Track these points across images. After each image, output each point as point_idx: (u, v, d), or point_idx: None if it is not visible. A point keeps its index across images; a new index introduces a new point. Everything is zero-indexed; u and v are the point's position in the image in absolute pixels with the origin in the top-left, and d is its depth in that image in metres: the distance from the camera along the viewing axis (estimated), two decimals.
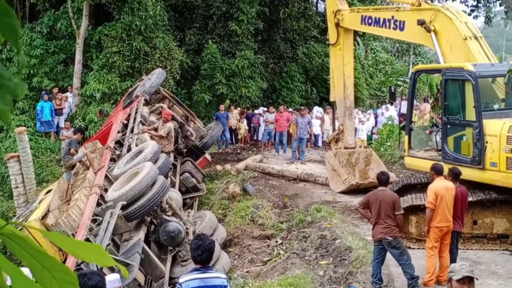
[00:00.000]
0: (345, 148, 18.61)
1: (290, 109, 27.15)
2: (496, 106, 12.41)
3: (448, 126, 12.52)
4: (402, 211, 9.84)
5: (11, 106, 1.12)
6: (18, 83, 1.13)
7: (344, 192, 17.41)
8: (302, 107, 26.47)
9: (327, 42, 18.85)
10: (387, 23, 15.10)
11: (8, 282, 1.13)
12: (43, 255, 1.18)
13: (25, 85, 1.17)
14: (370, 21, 15.94)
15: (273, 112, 25.78)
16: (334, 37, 17.86)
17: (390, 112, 27.74)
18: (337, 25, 17.53)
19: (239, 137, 26.97)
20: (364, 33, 31.89)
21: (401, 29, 14.67)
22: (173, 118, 18.02)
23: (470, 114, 11.85)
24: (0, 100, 1.10)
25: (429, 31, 13.32)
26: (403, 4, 15.40)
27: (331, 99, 19.68)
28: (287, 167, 21.20)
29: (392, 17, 14.92)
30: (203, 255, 5.94)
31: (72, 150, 13.91)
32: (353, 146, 18.83)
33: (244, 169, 20.59)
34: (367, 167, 18.57)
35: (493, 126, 11.46)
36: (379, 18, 15.50)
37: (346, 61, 18.14)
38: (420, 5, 13.98)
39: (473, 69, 11.66)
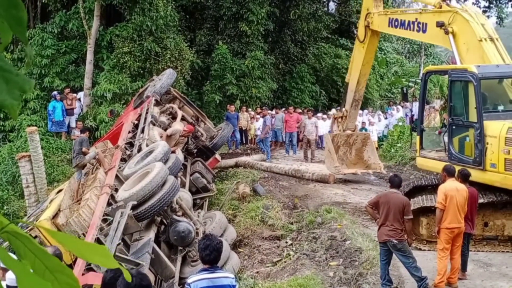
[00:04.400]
0: (345, 131, 19.68)
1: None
2: (501, 108, 12.42)
3: (453, 127, 12.63)
4: (411, 216, 9.77)
5: (19, 101, 1.12)
6: (25, 79, 1.13)
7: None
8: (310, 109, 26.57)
9: (355, 33, 19.08)
10: (411, 25, 15.19)
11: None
12: (46, 256, 1.17)
13: (33, 81, 1.16)
14: (396, 23, 16.10)
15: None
16: (362, 35, 18.15)
17: (400, 113, 27.68)
18: (367, 27, 17.70)
19: (249, 137, 26.95)
20: None
21: (424, 31, 14.73)
22: (184, 119, 18.06)
23: (473, 115, 11.91)
24: (8, 95, 1.09)
25: (447, 33, 13.33)
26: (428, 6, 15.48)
27: (346, 80, 20.22)
28: (275, 164, 21.79)
29: (416, 19, 15.01)
30: (211, 255, 5.93)
31: (84, 149, 13.97)
32: (353, 129, 19.99)
33: (235, 165, 21.45)
34: (363, 147, 19.75)
35: (493, 127, 11.52)
36: (404, 21, 15.64)
37: (365, 61, 18.54)
38: (441, 7, 13.99)
39: (475, 70, 11.70)
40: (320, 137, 25.70)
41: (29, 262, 1.16)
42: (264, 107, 26.83)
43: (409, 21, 15.37)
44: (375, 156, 19.65)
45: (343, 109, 19.86)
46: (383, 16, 17.02)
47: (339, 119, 20.10)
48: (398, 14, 16.45)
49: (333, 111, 26.66)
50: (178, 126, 16.70)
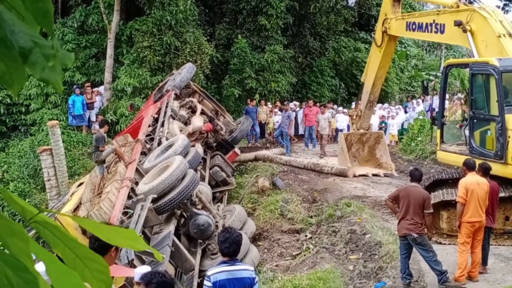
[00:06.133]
0: (358, 130, 20.04)
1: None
2: None
3: (475, 121, 12.55)
4: (432, 210, 9.75)
5: (62, 75, 1.14)
6: (65, 53, 1.15)
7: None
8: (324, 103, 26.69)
9: (373, 37, 19.08)
10: (429, 27, 15.09)
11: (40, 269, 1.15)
12: (76, 244, 1.19)
13: (73, 55, 1.19)
14: (414, 26, 16.03)
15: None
16: (380, 40, 18.11)
17: (421, 107, 27.49)
18: (384, 32, 17.63)
19: (268, 131, 26.96)
20: None
21: (442, 32, 14.63)
22: (203, 113, 18.09)
23: (494, 108, 11.82)
24: (51, 71, 1.12)
25: (465, 31, 13.22)
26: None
27: (362, 80, 20.48)
28: (295, 158, 21.84)
29: (434, 21, 14.91)
30: (230, 248, 5.97)
31: (100, 148, 14.05)
32: (367, 129, 20.39)
33: (255, 159, 21.46)
34: (376, 145, 20.11)
35: None
36: (421, 23, 15.55)
37: (381, 65, 18.54)
38: (458, 6, 13.90)
39: (497, 63, 11.60)
40: (340, 131, 25.65)
41: (59, 251, 1.18)
42: (286, 102, 26.77)
43: (426, 23, 15.27)
44: (387, 156, 19.87)
45: (358, 109, 20.01)
46: (400, 21, 16.95)
47: (354, 117, 20.29)
48: (416, 17, 16.32)
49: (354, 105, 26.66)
50: (199, 123, 16.75)
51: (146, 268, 6.70)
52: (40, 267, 1.16)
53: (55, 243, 1.18)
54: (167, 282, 4.52)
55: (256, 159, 21.39)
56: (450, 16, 14.16)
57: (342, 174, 18.84)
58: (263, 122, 26.37)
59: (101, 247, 4.66)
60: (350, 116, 21.45)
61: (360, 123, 19.95)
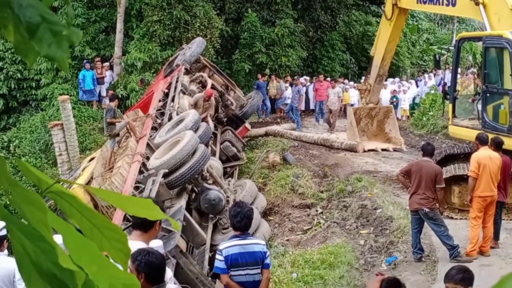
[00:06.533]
0: (367, 104, 19.83)
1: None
2: None
3: (488, 95, 12.43)
4: (443, 185, 9.73)
5: (68, 53, 1.13)
6: (73, 30, 1.13)
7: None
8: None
9: (383, 8, 18.86)
10: (440, 0, 14.88)
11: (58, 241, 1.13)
12: (92, 213, 1.18)
13: (80, 32, 1.17)
14: None
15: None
16: (390, 13, 17.82)
17: (432, 81, 27.29)
18: (394, 5, 17.40)
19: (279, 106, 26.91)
20: None
21: (453, 4, 14.43)
22: (213, 87, 18.04)
23: (508, 82, 11.70)
24: (58, 47, 1.10)
25: (477, 4, 13.03)
26: None
27: (371, 54, 20.20)
28: (305, 133, 21.83)
29: None
30: (242, 222, 5.98)
31: (108, 120, 14.05)
32: (376, 103, 20.14)
33: (265, 134, 21.39)
34: (385, 119, 19.93)
35: None
36: None
37: (391, 38, 18.26)
38: None
39: (511, 37, 11.45)
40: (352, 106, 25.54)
41: (75, 221, 1.16)
42: (296, 77, 26.66)
43: None
44: (396, 131, 19.73)
45: (367, 84, 19.83)
46: None
47: (363, 92, 20.14)
48: None
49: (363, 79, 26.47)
50: (198, 93, 16.71)
51: (158, 242, 6.72)
52: (58, 239, 1.15)
53: (72, 213, 1.17)
54: (151, 261, 4.27)
55: (266, 134, 21.37)
56: None
57: (352, 149, 18.79)
58: (273, 97, 26.29)
59: (146, 222, 4.63)
60: (359, 90, 21.32)
61: (369, 97, 19.75)
